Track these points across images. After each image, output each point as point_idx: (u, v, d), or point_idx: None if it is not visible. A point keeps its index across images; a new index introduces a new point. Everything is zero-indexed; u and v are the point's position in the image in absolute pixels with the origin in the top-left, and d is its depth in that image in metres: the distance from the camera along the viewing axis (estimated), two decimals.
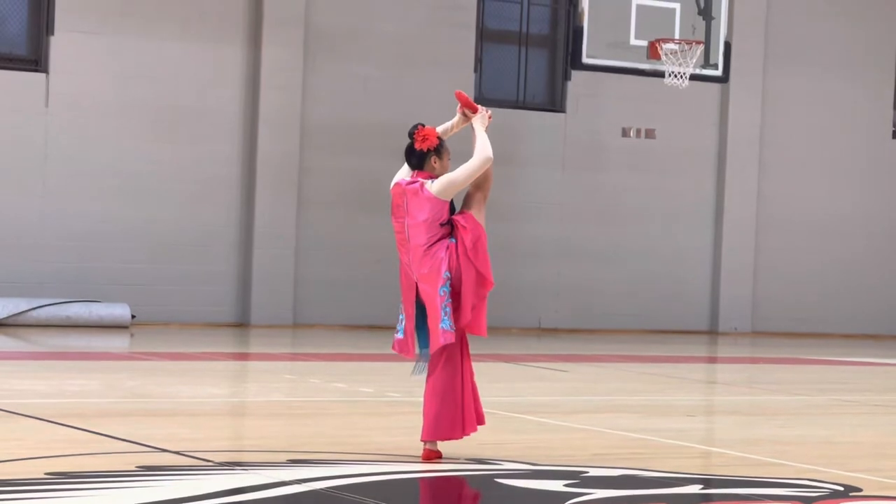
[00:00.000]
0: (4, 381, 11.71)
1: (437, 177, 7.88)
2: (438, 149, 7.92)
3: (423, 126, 7.96)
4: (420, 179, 7.88)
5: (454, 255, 7.78)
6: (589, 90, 22.24)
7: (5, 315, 18.60)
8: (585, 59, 18.03)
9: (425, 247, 7.79)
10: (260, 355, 16.39)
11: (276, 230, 20.58)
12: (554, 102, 22.47)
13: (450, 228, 7.85)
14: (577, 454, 8.30)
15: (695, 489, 7.23)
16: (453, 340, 7.70)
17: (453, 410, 7.76)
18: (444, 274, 7.75)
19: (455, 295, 7.77)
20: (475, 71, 21.88)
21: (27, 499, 6.26)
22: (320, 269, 20.98)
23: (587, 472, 7.49)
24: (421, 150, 7.90)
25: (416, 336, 7.91)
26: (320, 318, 20.93)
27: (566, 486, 7.00)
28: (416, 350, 7.94)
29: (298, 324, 20.69)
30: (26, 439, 8.26)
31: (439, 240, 7.81)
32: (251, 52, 20.47)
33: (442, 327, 7.68)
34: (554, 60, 22.45)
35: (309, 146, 20.93)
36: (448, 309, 7.72)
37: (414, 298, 7.86)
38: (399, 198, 7.91)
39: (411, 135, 7.92)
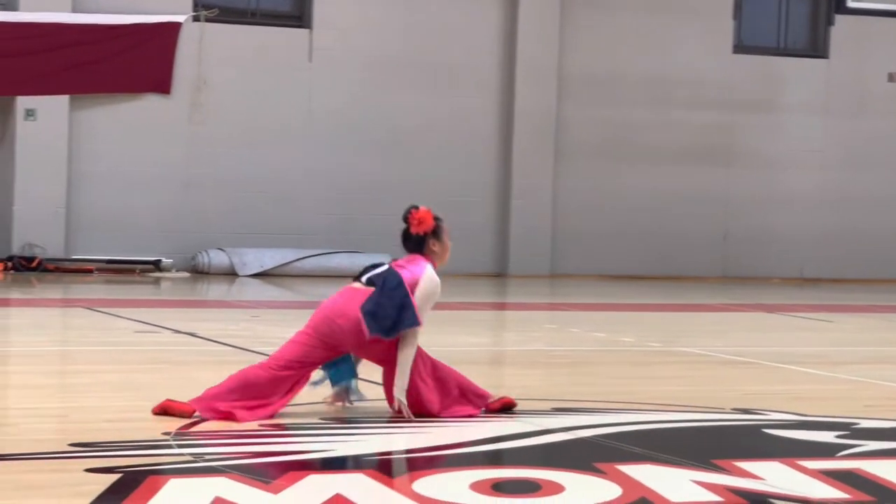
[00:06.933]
0: (271, 329, 12.04)
1: (435, 262, 7.32)
2: (436, 231, 7.30)
3: (417, 208, 7.28)
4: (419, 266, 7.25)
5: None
6: (853, 35, 21.62)
7: (273, 265, 19.12)
8: (850, 3, 17.57)
9: None
10: (519, 305, 16.48)
11: (534, 181, 20.63)
12: (816, 48, 21.93)
13: None
14: (847, 405, 8.12)
15: None
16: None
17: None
18: None
19: None
20: (734, 18, 21.49)
21: (305, 442, 6.48)
22: (577, 220, 20.96)
23: (858, 424, 7.32)
24: (418, 234, 7.29)
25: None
26: (577, 269, 20.93)
27: (837, 437, 6.85)
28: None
29: (555, 274, 20.73)
30: None
31: None
32: (508, 3, 20.50)
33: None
34: (816, 5, 21.88)
35: (566, 97, 20.89)
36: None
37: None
38: None
39: (406, 219, 7.27)
